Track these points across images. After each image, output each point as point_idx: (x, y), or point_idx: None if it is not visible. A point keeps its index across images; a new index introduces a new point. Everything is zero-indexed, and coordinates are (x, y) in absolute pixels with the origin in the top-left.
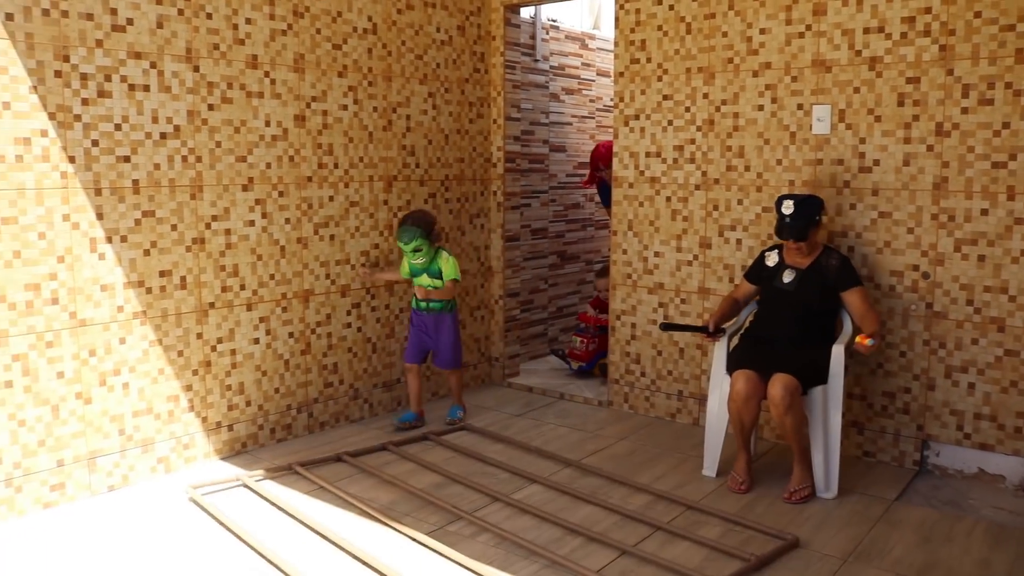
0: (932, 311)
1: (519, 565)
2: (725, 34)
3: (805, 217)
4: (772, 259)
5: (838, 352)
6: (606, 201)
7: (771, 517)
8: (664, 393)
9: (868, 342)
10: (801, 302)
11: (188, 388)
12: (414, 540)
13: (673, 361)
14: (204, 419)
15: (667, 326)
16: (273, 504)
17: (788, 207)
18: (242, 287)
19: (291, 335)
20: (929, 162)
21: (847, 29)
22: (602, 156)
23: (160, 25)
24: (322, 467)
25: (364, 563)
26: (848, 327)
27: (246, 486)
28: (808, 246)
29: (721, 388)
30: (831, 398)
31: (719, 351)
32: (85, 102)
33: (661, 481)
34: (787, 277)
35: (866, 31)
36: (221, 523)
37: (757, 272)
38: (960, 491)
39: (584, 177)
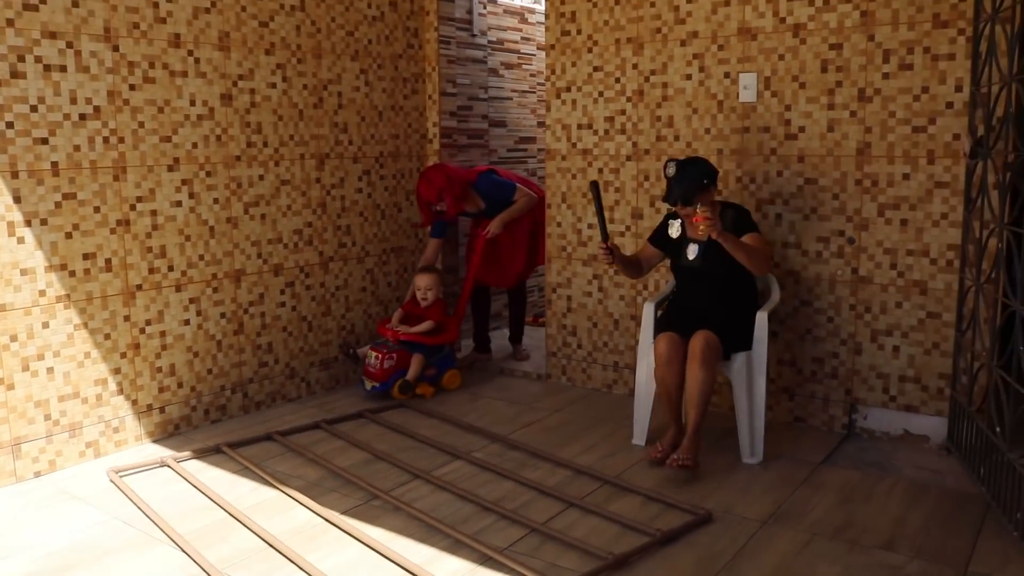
0: (858, 276)
1: (427, 543)
2: (653, 4)
3: (691, 178)
4: (675, 230)
5: (762, 318)
6: (437, 232)
7: (695, 487)
8: (600, 365)
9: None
10: (709, 276)
11: (116, 371)
12: (325, 520)
13: (608, 333)
14: (134, 402)
15: (595, 186)
16: (192, 484)
17: (671, 169)
18: (170, 268)
19: (223, 315)
20: (852, 128)
21: None
22: (429, 193)
23: (76, 4)
24: (251, 447)
25: (267, 543)
26: (776, 295)
27: (168, 467)
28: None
29: (648, 356)
30: (756, 363)
31: (647, 320)
32: None
33: (591, 451)
34: (691, 254)
35: None
36: (136, 504)
37: (660, 238)
38: (886, 453)
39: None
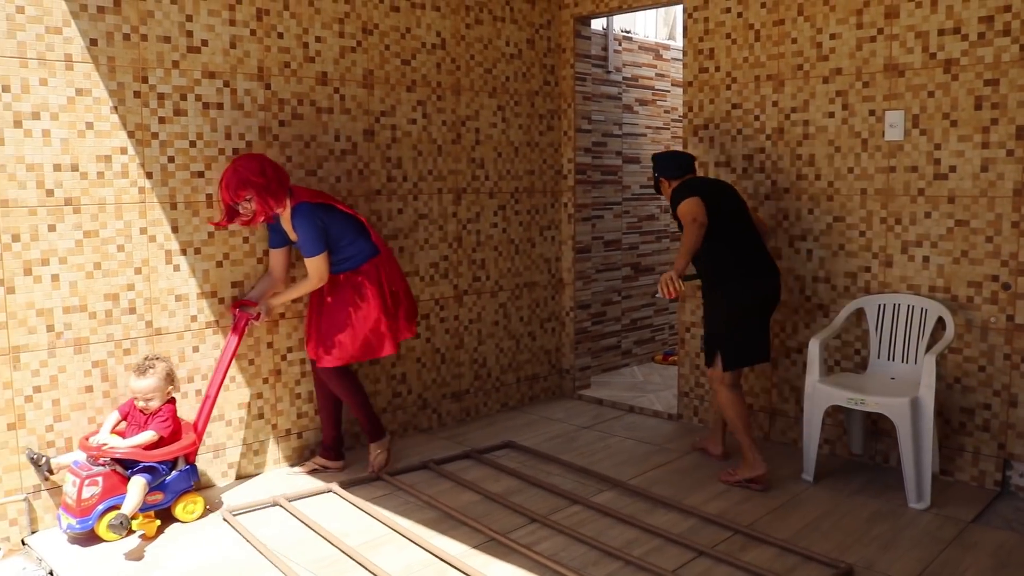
0: (1013, 323)
1: None
2: (794, 40)
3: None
4: None
5: (930, 361)
6: (276, 240)
7: (833, 538)
8: None
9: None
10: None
11: (259, 396)
12: (440, 559)
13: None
14: (274, 426)
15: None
16: (303, 522)
17: None
18: None
19: None
20: (1009, 167)
21: (921, 31)
22: (234, 186)
23: (233, 45)
24: (363, 486)
25: None
26: (950, 332)
27: (280, 506)
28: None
29: (813, 392)
30: (923, 407)
31: (812, 358)
32: (162, 120)
33: (723, 496)
34: None
35: (941, 33)
36: (248, 540)
37: None
38: None
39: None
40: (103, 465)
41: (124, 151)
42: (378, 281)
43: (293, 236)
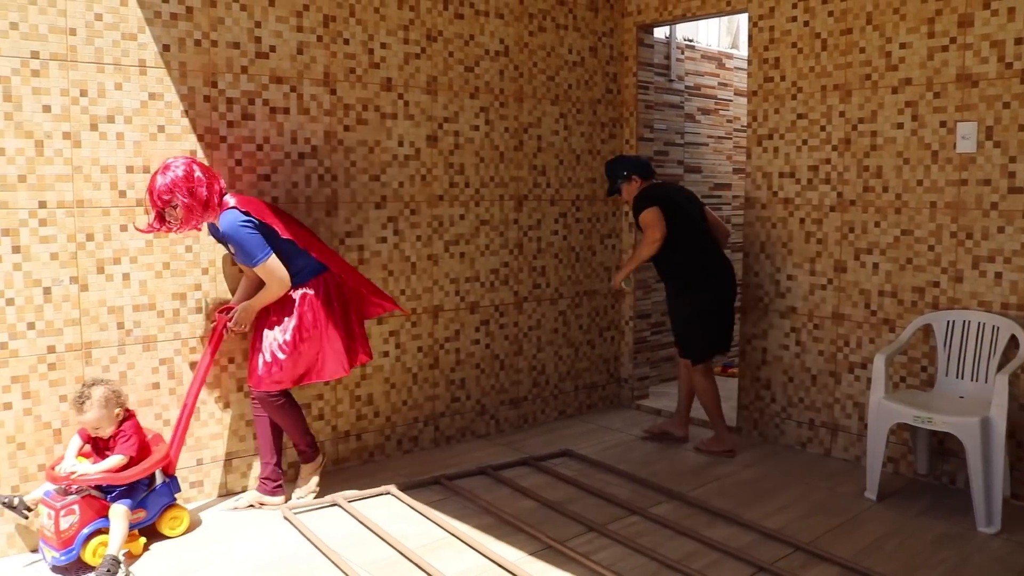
0: None
1: None
2: (863, 50)
3: (612, 174)
4: None
5: (1002, 381)
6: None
7: (900, 558)
8: (795, 421)
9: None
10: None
11: (319, 397)
12: (498, 564)
13: (805, 388)
14: (334, 427)
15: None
16: (362, 523)
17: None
18: None
19: (420, 349)
20: None
21: (996, 40)
22: (160, 188)
23: (300, 51)
24: (421, 490)
25: None
26: (1022, 353)
27: (339, 506)
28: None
29: (877, 409)
30: (994, 427)
31: (878, 374)
32: (230, 124)
33: (784, 512)
34: None
35: (1018, 42)
36: (311, 540)
37: None
38: None
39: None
40: (76, 493)
41: (193, 154)
42: (327, 296)
43: (230, 248)
